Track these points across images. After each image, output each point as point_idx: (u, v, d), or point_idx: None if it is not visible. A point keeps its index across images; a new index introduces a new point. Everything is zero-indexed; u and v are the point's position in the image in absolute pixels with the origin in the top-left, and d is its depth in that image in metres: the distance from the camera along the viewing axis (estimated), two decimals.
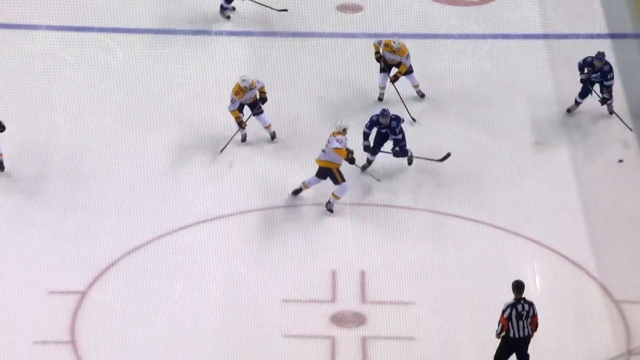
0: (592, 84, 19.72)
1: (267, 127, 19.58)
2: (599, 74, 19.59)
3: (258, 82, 19.24)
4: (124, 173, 18.83)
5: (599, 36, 22.31)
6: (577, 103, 20.06)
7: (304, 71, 21.23)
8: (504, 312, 14.20)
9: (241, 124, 19.32)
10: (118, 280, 16.61)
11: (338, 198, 17.91)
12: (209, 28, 22.72)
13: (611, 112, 20.01)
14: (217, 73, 21.08)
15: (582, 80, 19.71)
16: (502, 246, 17.43)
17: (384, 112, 18.31)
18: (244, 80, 18.99)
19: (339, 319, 15.98)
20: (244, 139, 19.57)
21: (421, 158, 18.67)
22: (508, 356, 14.24)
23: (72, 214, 17.89)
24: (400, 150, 18.58)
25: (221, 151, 19.20)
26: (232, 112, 19.20)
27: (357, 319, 16.04)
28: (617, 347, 15.51)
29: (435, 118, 20.36)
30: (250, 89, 19.12)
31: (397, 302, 16.31)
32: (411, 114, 19.90)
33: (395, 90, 20.05)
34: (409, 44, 20.42)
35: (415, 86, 20.48)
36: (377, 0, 22.87)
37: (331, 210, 17.93)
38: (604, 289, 16.60)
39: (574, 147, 19.47)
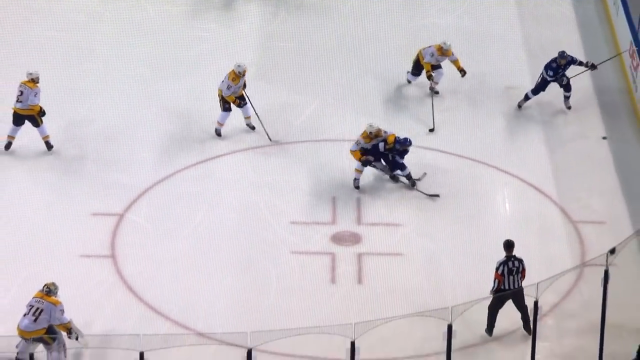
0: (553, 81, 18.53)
1: (247, 118, 18.30)
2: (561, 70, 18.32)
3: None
4: (154, 113, 18.76)
5: None
6: (527, 98, 18.90)
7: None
8: (497, 269, 13.88)
9: (240, 105, 18.08)
10: (150, 205, 16.69)
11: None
12: None
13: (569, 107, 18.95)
14: (235, 29, 20.96)
15: (545, 81, 18.45)
16: (477, 176, 17.52)
17: (407, 141, 16.93)
18: (239, 66, 17.78)
19: (338, 238, 16.11)
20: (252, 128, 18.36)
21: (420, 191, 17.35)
22: (501, 306, 13.92)
23: (112, 148, 17.94)
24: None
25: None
26: (228, 97, 17.94)
27: (354, 238, 16.18)
28: (573, 261, 15.64)
29: None
30: (242, 76, 17.87)
31: (387, 223, 16.48)
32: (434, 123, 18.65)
33: (431, 94, 18.96)
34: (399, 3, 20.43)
35: (436, 83, 19.02)
36: None
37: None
38: (564, 211, 16.74)
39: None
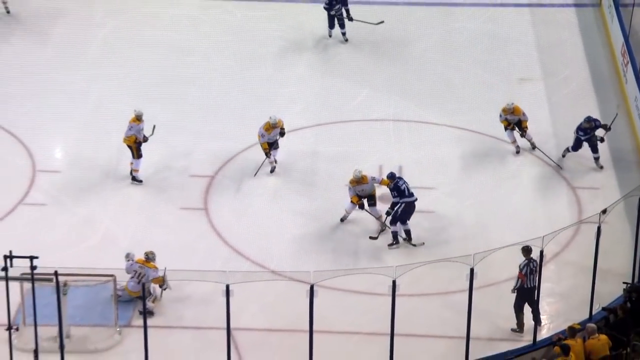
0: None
1: (272, 163, 16.50)
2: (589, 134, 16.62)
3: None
4: (237, 96, 18.56)
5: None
6: (567, 151, 16.98)
7: None
8: (521, 269, 13.21)
9: (268, 154, 16.30)
10: (235, 169, 16.63)
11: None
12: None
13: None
14: (303, 33, 20.69)
15: (579, 140, 16.65)
16: (501, 152, 17.34)
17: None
18: (272, 118, 16.07)
19: (383, 199, 15.83)
20: (272, 170, 16.54)
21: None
22: (523, 304, 13.39)
23: (205, 121, 17.78)
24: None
25: (255, 175, 16.45)
26: (262, 144, 16.28)
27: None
28: (571, 218, 15.59)
29: (452, 55, 20.15)
30: (275, 127, 16.17)
31: (422, 187, 16.25)
32: (556, 162, 16.92)
33: (530, 145, 17.19)
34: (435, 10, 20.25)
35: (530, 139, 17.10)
36: None
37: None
38: (566, 179, 16.63)
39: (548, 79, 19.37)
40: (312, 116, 18.13)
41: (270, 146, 16.37)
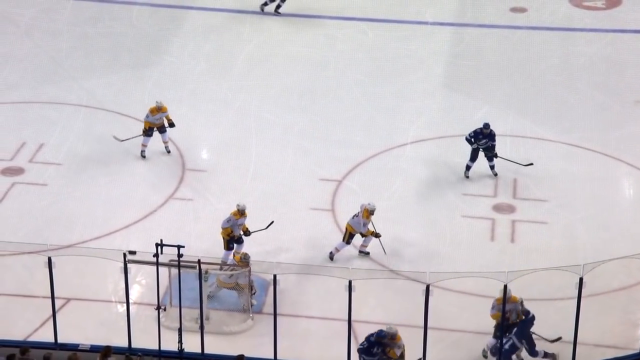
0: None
1: (165, 142, 16.47)
2: (486, 139, 16.04)
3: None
4: (366, 109, 18.49)
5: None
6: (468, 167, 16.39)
7: None
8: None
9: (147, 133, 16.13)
10: (360, 175, 16.61)
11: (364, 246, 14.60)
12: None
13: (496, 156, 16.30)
14: (428, 49, 20.71)
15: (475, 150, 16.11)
16: (603, 165, 16.91)
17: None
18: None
19: (497, 208, 15.80)
20: (167, 150, 16.53)
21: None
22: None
23: (334, 130, 17.80)
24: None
25: (121, 141, 16.33)
26: (144, 122, 16.21)
27: (510, 208, 15.85)
28: None
29: (570, 77, 19.64)
30: (160, 111, 15.99)
31: (536, 199, 15.98)
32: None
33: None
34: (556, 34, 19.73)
35: None
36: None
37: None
38: None
39: None
40: (435, 128, 17.98)
41: (151, 130, 15.93)
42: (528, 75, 19.74)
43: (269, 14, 21.52)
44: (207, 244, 14.64)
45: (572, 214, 15.75)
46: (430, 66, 19.98)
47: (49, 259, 12.19)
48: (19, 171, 16.70)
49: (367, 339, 12.27)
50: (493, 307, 12.69)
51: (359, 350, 12.26)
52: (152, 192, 16.09)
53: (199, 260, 12.48)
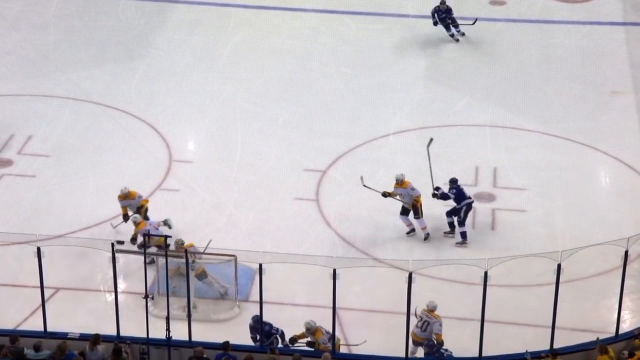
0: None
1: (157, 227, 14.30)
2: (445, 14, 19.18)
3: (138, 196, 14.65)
4: (350, 100, 18.48)
5: None
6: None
7: None
8: None
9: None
10: (344, 165, 16.59)
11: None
12: None
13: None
14: (411, 45, 20.55)
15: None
16: (585, 157, 16.93)
17: None
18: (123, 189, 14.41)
19: (478, 196, 15.71)
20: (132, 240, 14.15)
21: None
22: None
23: (320, 120, 17.76)
24: None
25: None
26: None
27: (490, 197, 15.89)
28: None
29: (548, 68, 19.62)
30: (126, 198, 14.58)
31: (515, 187, 16.04)
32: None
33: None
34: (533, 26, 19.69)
35: None
36: None
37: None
38: None
39: None
40: (417, 119, 17.97)
41: (127, 217, 14.48)
42: (507, 66, 19.77)
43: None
44: (194, 235, 14.61)
45: (551, 202, 15.80)
46: (411, 58, 19.97)
47: (38, 249, 12.13)
48: (7, 163, 16.61)
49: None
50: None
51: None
52: (139, 182, 16.03)
53: (185, 250, 12.46)
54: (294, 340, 12.54)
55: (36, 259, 12.17)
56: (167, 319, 12.26)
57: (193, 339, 12.48)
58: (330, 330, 12.32)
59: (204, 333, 12.70)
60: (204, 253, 13.29)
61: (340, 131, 17.57)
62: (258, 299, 12.39)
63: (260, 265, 12.09)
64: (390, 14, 21.60)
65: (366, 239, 14.91)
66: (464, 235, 14.77)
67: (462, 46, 20.37)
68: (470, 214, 14.98)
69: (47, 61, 19.64)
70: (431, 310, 12.57)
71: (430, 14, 20.15)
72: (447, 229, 14.98)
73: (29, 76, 19.15)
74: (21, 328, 12.95)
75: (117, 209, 15.13)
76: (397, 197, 14.88)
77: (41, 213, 15.32)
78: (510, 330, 13.22)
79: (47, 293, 12.78)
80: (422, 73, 19.49)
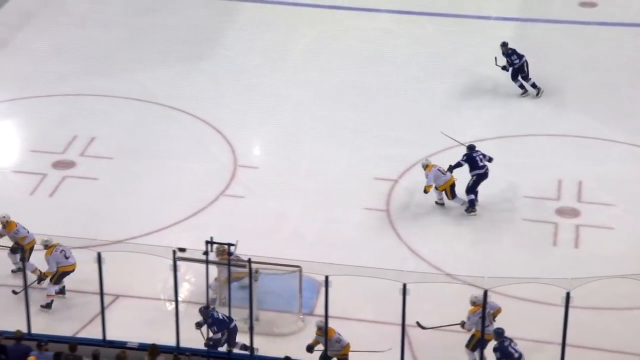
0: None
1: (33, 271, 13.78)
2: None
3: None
4: (422, 106, 18.41)
5: None
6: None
7: None
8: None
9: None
10: (417, 173, 16.19)
11: None
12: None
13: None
14: (490, 47, 20.00)
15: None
16: None
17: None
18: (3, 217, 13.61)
19: (560, 211, 15.55)
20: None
21: None
22: None
23: (389, 127, 17.74)
24: None
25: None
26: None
27: (573, 212, 15.59)
28: None
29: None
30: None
31: (601, 203, 15.73)
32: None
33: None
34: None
35: None
36: None
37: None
38: None
39: None
40: (495, 129, 17.72)
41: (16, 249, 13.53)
42: (595, 72, 19.34)
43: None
44: (258, 243, 14.61)
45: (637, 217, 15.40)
46: (491, 62, 19.69)
47: (99, 255, 12.30)
48: (70, 164, 16.93)
49: None
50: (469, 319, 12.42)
51: None
52: (202, 188, 16.16)
53: (249, 260, 12.48)
54: (310, 348, 12.44)
55: (96, 265, 12.33)
56: (251, 333, 12.15)
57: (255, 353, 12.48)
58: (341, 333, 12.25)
59: (265, 346, 12.69)
60: (268, 264, 13.30)
61: (413, 139, 17.44)
62: (324, 313, 12.32)
63: (327, 277, 12.02)
64: (470, 16, 21.40)
65: (438, 253, 14.74)
66: (471, 202, 14.94)
67: (547, 50, 20.00)
68: (550, 227, 14.60)
69: (111, 60, 19.99)
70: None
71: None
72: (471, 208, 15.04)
73: (93, 75, 19.50)
74: (80, 335, 13.13)
75: (178, 215, 15.26)
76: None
77: (102, 217, 15.55)
78: (593, 356, 12.91)
79: (106, 300, 12.94)
80: (503, 79, 19.13)
